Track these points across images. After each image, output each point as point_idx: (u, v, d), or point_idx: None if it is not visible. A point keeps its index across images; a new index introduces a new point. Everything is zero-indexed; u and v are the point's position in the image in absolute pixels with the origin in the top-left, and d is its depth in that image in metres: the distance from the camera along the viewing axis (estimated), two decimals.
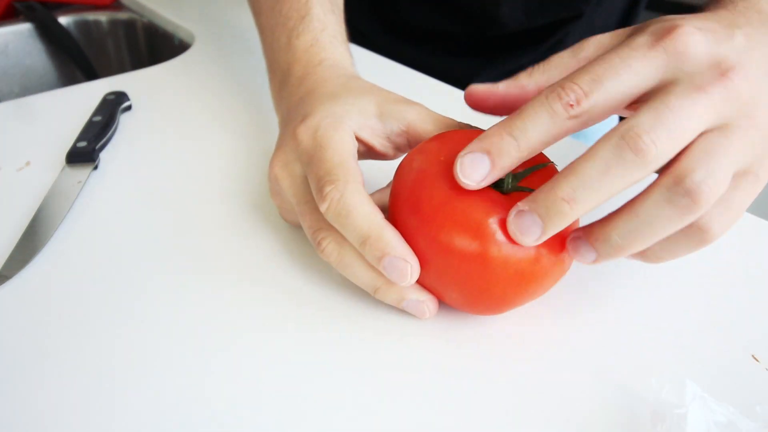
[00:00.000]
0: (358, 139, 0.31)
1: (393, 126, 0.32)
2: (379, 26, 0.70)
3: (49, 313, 0.30)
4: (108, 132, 0.46)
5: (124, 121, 0.49)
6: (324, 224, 0.29)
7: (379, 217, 0.27)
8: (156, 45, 0.80)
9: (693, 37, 0.24)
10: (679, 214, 0.23)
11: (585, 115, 0.24)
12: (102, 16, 0.81)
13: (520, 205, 0.24)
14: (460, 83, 0.53)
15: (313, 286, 0.31)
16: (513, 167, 0.25)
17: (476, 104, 0.30)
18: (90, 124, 0.46)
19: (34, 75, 0.78)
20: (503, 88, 0.29)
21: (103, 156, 0.44)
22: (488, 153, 0.24)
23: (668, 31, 0.24)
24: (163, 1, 0.79)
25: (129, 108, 0.51)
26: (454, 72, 0.60)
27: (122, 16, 0.81)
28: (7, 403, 0.25)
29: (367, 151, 0.33)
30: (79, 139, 0.44)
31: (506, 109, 0.29)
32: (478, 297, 0.27)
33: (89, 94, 0.52)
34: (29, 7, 0.77)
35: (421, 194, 0.27)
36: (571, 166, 0.24)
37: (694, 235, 0.24)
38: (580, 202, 0.23)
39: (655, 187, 0.23)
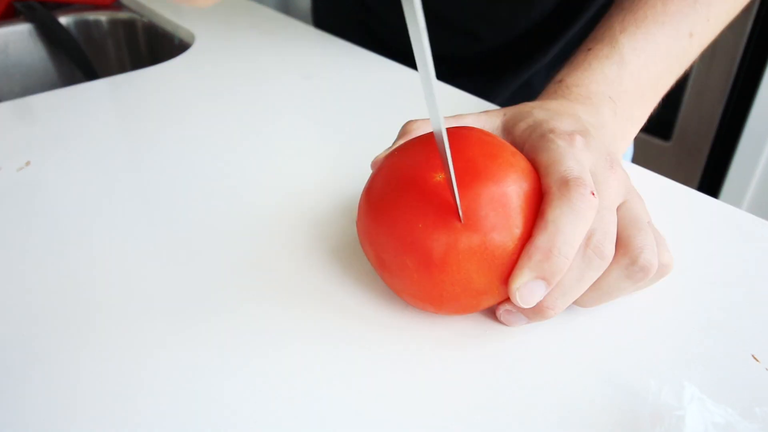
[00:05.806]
0: None
1: None
2: (378, 47, 0.69)
3: (44, 312, 0.30)
4: None
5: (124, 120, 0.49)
6: None
7: None
8: (156, 45, 0.80)
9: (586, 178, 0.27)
10: (635, 282, 0.28)
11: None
12: (102, 16, 0.81)
13: (509, 306, 0.28)
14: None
15: (312, 279, 0.32)
16: None
17: None
18: None
19: (34, 75, 0.78)
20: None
21: (103, 155, 0.44)
22: (544, 279, 0.26)
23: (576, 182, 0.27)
24: (163, 1, 0.79)
25: None
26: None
27: (122, 16, 0.81)
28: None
29: None
30: None
31: None
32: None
33: (89, 94, 0.53)
34: (29, 7, 0.77)
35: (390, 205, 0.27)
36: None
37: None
38: (559, 307, 0.27)
39: (615, 267, 0.27)
